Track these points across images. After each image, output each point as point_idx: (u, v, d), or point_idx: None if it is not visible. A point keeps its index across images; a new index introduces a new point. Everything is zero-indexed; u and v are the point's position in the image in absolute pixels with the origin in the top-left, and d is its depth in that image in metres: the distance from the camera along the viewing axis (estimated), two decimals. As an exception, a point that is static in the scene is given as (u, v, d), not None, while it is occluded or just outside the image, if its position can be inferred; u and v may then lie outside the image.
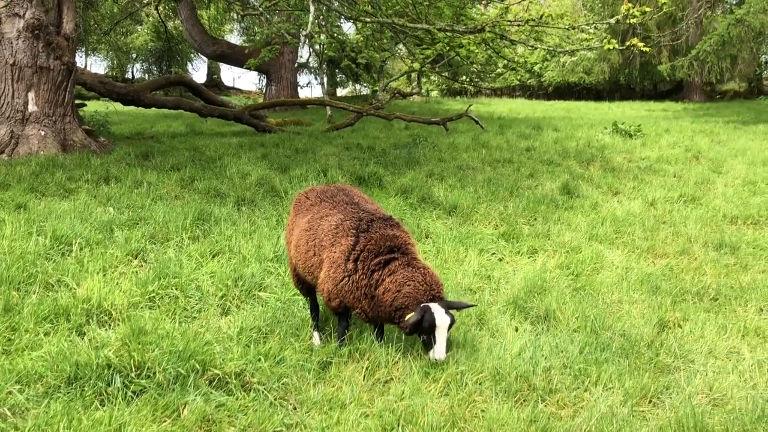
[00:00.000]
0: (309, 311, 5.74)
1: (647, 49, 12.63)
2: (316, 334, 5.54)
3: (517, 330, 5.82)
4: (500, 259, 7.90)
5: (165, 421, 4.04)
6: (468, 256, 7.67)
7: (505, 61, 19.87)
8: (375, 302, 4.96)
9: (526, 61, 22.27)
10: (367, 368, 4.88)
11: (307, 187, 6.08)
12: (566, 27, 13.27)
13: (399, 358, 5.03)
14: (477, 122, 17.67)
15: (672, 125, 19.82)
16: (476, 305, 5.16)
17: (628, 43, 12.56)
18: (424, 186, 10.57)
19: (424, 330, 4.82)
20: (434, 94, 42.38)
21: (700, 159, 14.35)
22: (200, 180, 10.30)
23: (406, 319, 4.82)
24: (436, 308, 4.82)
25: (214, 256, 7.12)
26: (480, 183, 11.26)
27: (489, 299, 6.50)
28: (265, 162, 12.12)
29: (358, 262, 4.98)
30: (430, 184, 10.86)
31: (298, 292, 5.87)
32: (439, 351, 4.82)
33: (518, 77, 39.05)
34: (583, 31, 15.73)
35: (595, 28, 17.19)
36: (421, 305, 4.81)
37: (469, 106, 19.02)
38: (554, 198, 10.51)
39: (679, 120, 22.82)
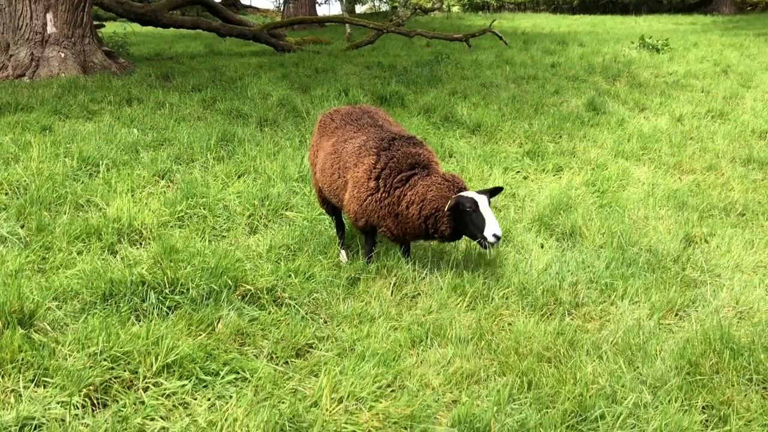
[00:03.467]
0: (335, 230, 5.81)
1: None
2: (342, 251, 5.61)
3: (542, 246, 5.85)
4: (525, 177, 7.88)
5: (200, 334, 4.15)
6: (492, 175, 7.65)
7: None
8: (400, 219, 4.98)
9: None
10: (394, 284, 4.97)
11: (332, 108, 6.04)
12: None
13: (426, 274, 5.10)
14: (500, 38, 17.30)
15: (700, 39, 19.28)
16: (503, 188, 5.15)
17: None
18: (447, 104, 10.45)
19: (468, 214, 4.76)
20: (455, 9, 41.37)
21: (728, 73, 14.00)
22: (222, 101, 10.26)
23: (445, 209, 4.79)
24: (467, 192, 4.84)
25: (239, 177, 7.16)
26: (504, 100, 11.11)
27: (514, 217, 6.52)
28: (285, 82, 12.02)
29: (380, 180, 5.00)
30: (453, 103, 10.73)
31: (324, 212, 5.93)
32: (494, 225, 4.73)
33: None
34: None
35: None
36: (452, 197, 4.81)
37: (493, 21, 18.59)
38: (580, 115, 10.37)
39: (708, 33, 22.17)
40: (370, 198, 5.02)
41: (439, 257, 5.46)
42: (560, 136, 9.38)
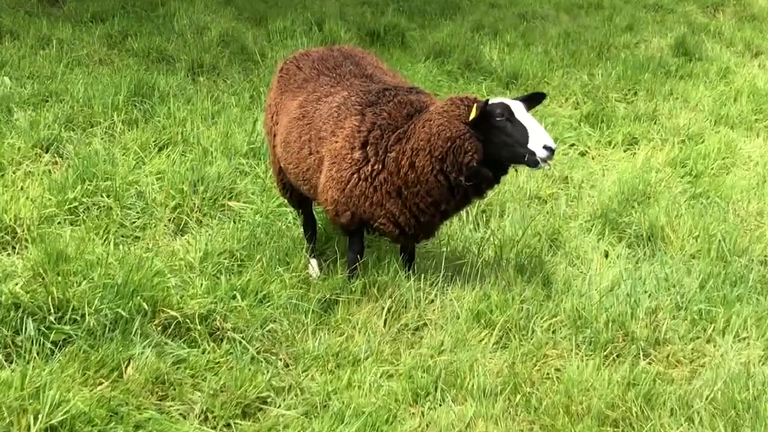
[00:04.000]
0: (303, 229, 5.80)
1: None
2: (313, 261, 5.60)
3: (607, 255, 5.87)
4: (583, 153, 7.90)
5: (101, 383, 4.13)
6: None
7: None
8: (408, 194, 4.95)
9: None
10: (389, 309, 4.96)
11: (299, 50, 6.02)
12: None
13: (435, 295, 5.11)
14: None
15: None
16: (546, 95, 5.14)
17: None
18: (468, 45, 10.45)
19: (502, 125, 4.75)
20: None
21: None
22: (136, 37, 10.19)
23: (470, 118, 4.76)
24: (496, 98, 4.90)
25: (160, 149, 7.14)
26: (553, 39, 11.11)
27: (566, 211, 6.54)
28: (230, 9, 11.95)
29: (368, 148, 4.99)
30: (478, 42, 10.72)
31: (287, 202, 5.94)
32: (542, 134, 4.72)
33: None
34: None
35: None
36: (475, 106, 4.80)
37: None
38: (664, 61, 10.38)
39: None
40: (355, 176, 5.00)
41: (455, 269, 5.47)
42: (635, 93, 9.40)
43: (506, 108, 4.78)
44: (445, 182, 4.90)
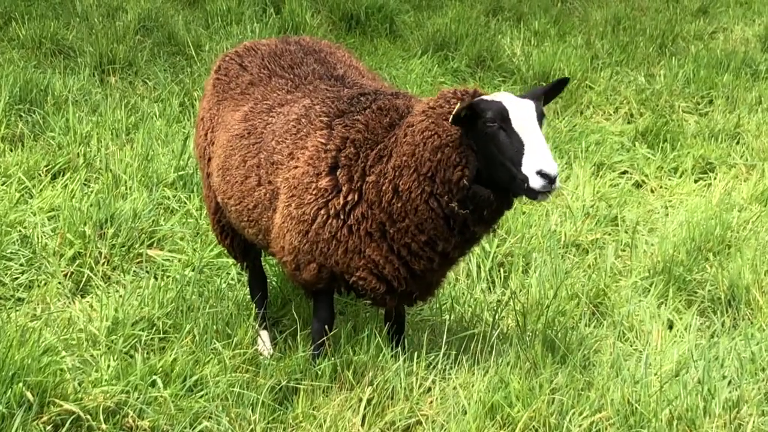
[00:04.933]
0: (249, 290, 5.83)
1: None
2: (263, 333, 5.61)
3: (671, 327, 5.89)
4: (638, 184, 7.93)
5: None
6: (572, 176, 7.67)
7: None
8: (394, 233, 4.93)
9: None
10: (369, 401, 4.94)
11: (244, 42, 6.03)
12: None
13: (433, 380, 5.10)
14: None
15: None
16: (568, 80, 5.14)
17: None
18: (482, 34, 10.50)
19: (491, 132, 4.66)
20: None
21: None
22: (23, 20, 10.21)
23: (449, 119, 4.64)
24: (493, 95, 4.82)
25: (54, 177, 7.15)
26: (597, 27, 11.19)
27: (614, 263, 6.54)
28: (153, -17, 12.05)
29: (338, 172, 4.98)
30: (495, 31, 10.80)
31: (227, 251, 5.96)
32: (540, 154, 4.61)
33: None
34: None
35: None
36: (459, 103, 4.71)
37: None
38: (750, 57, 10.45)
39: None
40: (323, 213, 4.99)
41: (461, 345, 5.47)
42: (710, 102, 9.46)
43: (500, 110, 4.66)
44: (439, 210, 4.85)
